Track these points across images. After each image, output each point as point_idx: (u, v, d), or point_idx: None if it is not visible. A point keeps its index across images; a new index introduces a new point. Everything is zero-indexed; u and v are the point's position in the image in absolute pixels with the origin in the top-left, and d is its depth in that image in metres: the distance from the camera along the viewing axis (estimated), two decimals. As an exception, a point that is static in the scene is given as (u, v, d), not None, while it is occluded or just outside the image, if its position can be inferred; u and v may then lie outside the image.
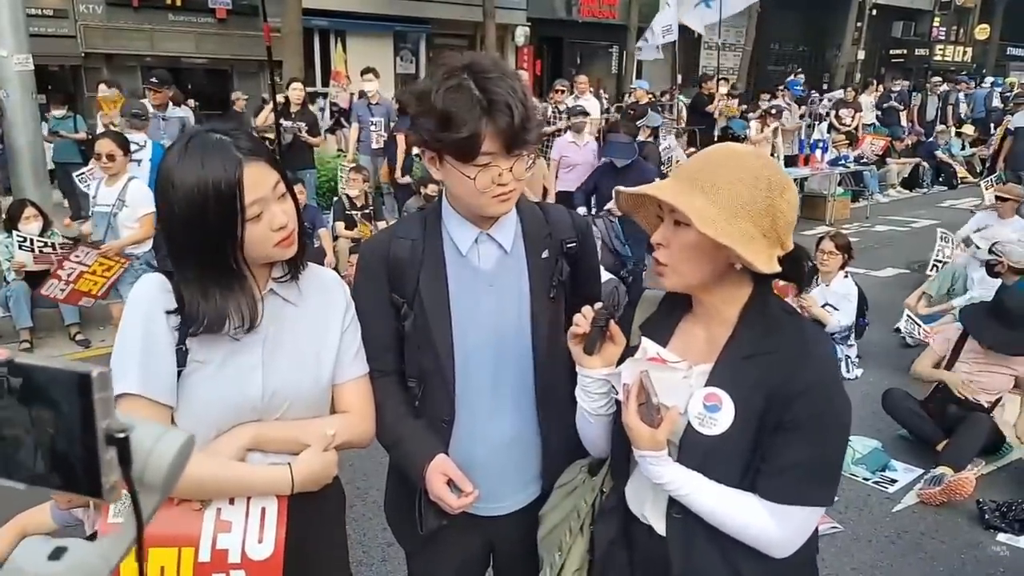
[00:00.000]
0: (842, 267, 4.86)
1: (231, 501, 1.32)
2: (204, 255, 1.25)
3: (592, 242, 1.60)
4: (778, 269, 1.19)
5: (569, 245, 1.52)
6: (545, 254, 1.49)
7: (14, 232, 5.23)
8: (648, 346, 1.25)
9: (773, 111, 10.27)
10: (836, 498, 3.40)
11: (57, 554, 0.68)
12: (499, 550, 1.61)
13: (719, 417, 1.21)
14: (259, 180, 1.25)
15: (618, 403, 1.31)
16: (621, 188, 1.31)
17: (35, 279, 5.26)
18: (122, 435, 0.65)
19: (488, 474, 1.48)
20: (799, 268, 1.26)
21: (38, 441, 0.65)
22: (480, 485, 1.44)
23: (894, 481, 3.68)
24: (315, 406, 1.39)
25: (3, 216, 5.91)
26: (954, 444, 3.66)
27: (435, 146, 1.35)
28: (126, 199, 4.85)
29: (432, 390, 1.48)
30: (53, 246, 5.16)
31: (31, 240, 5.17)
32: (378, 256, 1.49)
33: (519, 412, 1.51)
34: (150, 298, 1.29)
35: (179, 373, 1.28)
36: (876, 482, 3.66)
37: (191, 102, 11.39)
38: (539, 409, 1.51)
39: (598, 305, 1.33)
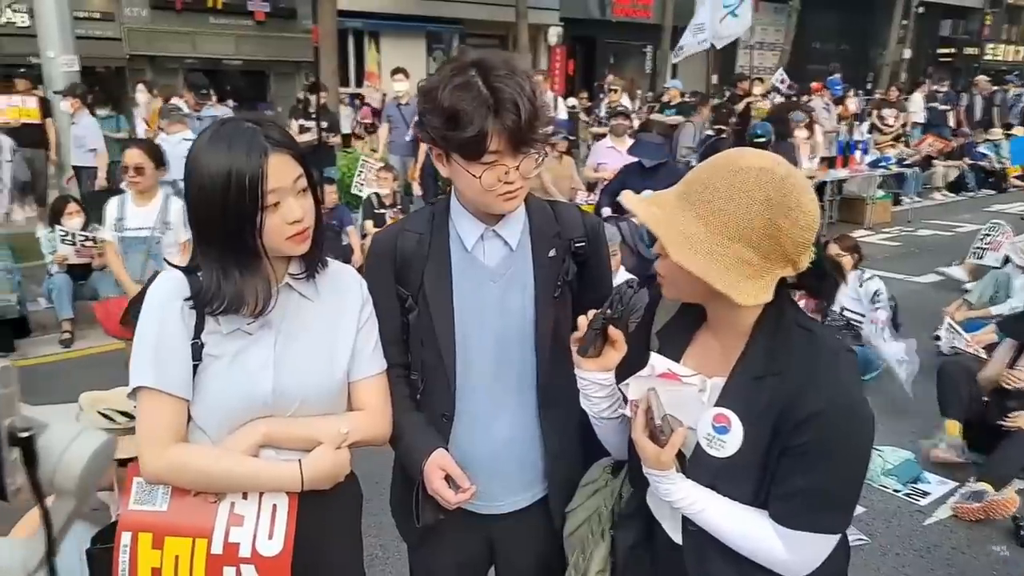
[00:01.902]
0: (854, 267, 4.80)
1: (244, 496, 1.34)
2: (225, 236, 1.27)
3: (603, 243, 1.58)
4: (766, 299, 1.13)
5: (578, 245, 1.50)
6: (552, 253, 1.48)
7: (57, 227, 5.40)
8: (657, 363, 1.22)
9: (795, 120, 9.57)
10: (863, 509, 3.33)
11: None
12: (499, 550, 1.60)
13: (728, 439, 1.17)
14: (280, 170, 1.26)
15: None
16: (627, 195, 1.27)
17: (77, 272, 5.42)
18: (25, 435, 0.62)
19: (487, 471, 1.48)
20: (825, 283, 1.20)
21: None
22: (479, 482, 1.44)
23: (926, 494, 3.57)
24: (330, 403, 1.40)
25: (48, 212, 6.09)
26: (998, 459, 3.53)
27: (441, 144, 1.35)
28: (170, 220, 3.91)
29: (433, 384, 1.49)
30: (95, 240, 5.29)
31: (73, 235, 5.33)
32: (386, 249, 1.49)
33: (520, 411, 1.50)
34: (166, 294, 1.32)
35: (195, 368, 1.31)
36: (907, 494, 3.56)
37: (229, 102, 11.64)
38: (540, 409, 1.50)
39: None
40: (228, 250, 1.28)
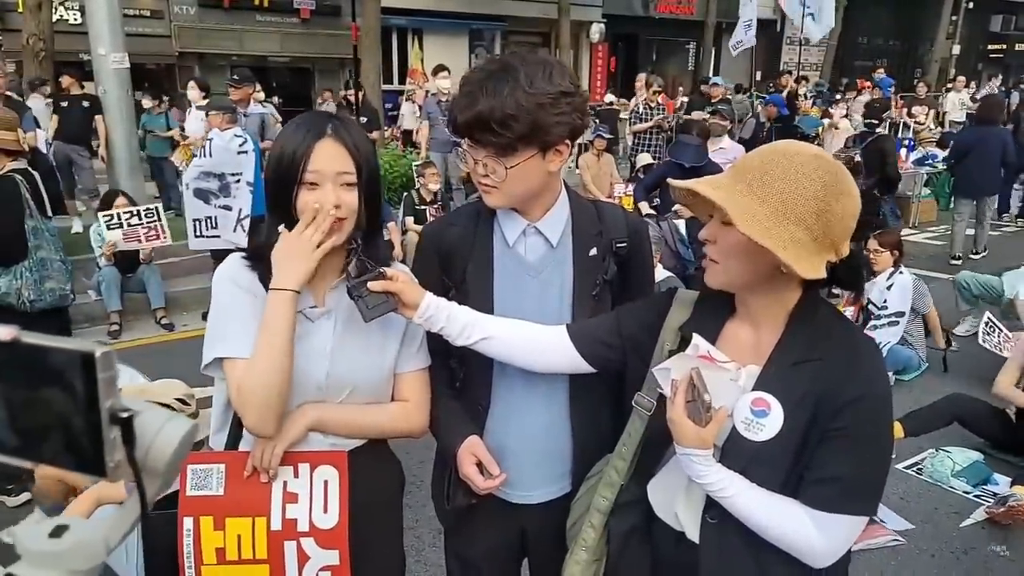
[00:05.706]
0: (894, 264, 4.72)
1: (296, 474, 1.41)
2: (277, 197, 1.38)
3: (646, 244, 1.60)
4: (822, 275, 1.15)
5: (619, 245, 1.52)
6: (593, 252, 1.50)
7: (100, 214, 5.54)
8: (700, 343, 1.25)
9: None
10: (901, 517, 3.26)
11: (58, 532, 0.68)
12: (531, 539, 1.64)
13: (767, 423, 1.19)
14: (327, 156, 1.34)
15: (663, 397, 1.31)
16: (672, 181, 1.29)
17: (125, 264, 5.65)
18: (126, 415, 0.66)
19: (519, 461, 1.53)
20: (856, 275, 1.22)
21: (50, 420, 0.66)
22: (510, 471, 1.48)
23: (995, 495, 3.47)
24: (377, 393, 1.47)
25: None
26: None
27: None
28: None
29: (472, 375, 1.54)
30: (139, 214, 5.46)
31: (118, 214, 5.45)
32: (433, 239, 1.56)
33: (551, 405, 1.54)
34: (232, 273, 1.41)
35: None
36: (977, 495, 3.49)
37: (275, 99, 11.85)
38: (571, 405, 1.54)
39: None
40: (278, 209, 1.39)
